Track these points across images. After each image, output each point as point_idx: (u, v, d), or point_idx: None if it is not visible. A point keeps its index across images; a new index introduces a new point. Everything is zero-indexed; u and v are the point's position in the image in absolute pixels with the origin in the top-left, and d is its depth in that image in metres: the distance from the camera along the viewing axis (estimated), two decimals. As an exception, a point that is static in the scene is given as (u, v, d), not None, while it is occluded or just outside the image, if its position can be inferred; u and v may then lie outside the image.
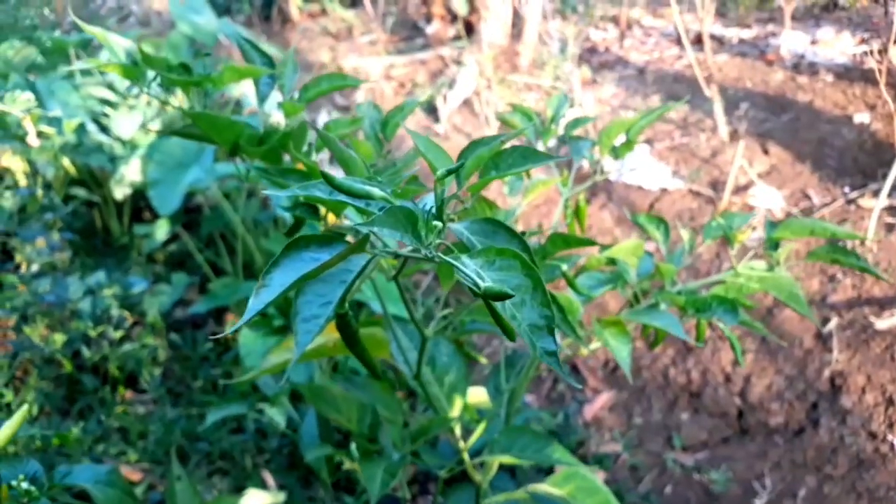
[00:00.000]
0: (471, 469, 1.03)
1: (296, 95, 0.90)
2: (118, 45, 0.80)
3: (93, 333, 2.02)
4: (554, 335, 0.47)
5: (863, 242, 2.31)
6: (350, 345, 0.65)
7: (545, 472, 2.21)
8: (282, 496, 1.77)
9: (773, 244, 0.95)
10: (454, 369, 1.05)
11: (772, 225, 0.97)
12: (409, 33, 5.08)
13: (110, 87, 3.72)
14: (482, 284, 0.44)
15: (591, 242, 0.86)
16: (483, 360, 1.24)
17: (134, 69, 0.80)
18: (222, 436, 2.27)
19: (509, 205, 1.12)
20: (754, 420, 2.29)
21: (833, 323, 2.26)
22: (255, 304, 0.46)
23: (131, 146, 3.45)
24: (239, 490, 2.12)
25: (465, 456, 1.02)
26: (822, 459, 2.09)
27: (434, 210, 0.50)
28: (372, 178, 0.55)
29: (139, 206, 3.79)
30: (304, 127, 0.84)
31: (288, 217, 2.77)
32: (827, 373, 2.20)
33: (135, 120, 3.57)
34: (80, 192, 3.18)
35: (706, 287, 1.07)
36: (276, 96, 0.95)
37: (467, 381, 1.04)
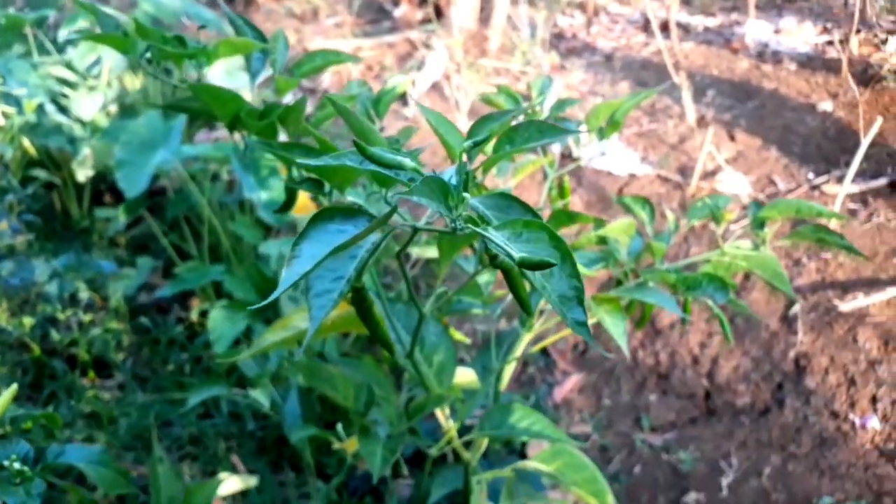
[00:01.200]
0: (460, 447, 1.04)
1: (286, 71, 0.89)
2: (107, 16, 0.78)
3: (62, 317, 1.97)
4: (584, 305, 0.48)
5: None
6: (364, 319, 0.64)
7: (518, 453, 2.23)
8: (254, 480, 1.76)
9: (760, 223, 0.97)
10: (442, 349, 1.05)
11: (757, 205, 0.98)
12: (375, 16, 5.04)
13: (69, 66, 3.62)
14: (516, 255, 0.44)
15: (596, 220, 0.86)
16: (466, 340, 1.24)
17: (126, 40, 0.78)
18: (192, 420, 2.24)
19: (496, 186, 1.12)
20: (721, 401, 2.34)
21: (798, 306, 2.31)
22: (289, 275, 0.45)
23: (91, 127, 3.37)
24: (208, 475, 2.10)
25: (454, 434, 1.03)
26: (786, 438, 2.14)
27: (460, 182, 0.50)
28: (397, 150, 0.54)
29: (99, 189, 3.70)
30: (304, 102, 0.83)
31: (258, 198, 2.71)
32: (792, 354, 2.26)
33: (95, 101, 3.48)
34: (40, 173, 3.10)
35: (689, 268, 1.08)
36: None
37: (455, 360, 1.05)
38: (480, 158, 0.68)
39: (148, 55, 0.81)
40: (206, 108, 0.79)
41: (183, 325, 2.56)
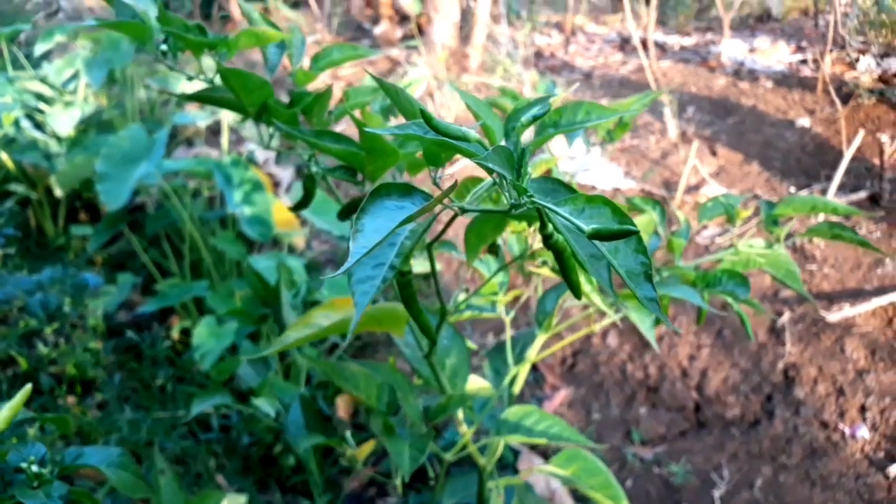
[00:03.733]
0: (475, 452, 1.02)
1: (305, 64, 0.88)
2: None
3: (48, 331, 1.92)
4: (652, 281, 0.46)
5: (852, 225, 2.39)
6: (409, 306, 0.62)
7: (510, 467, 2.21)
8: (243, 499, 1.72)
9: (773, 220, 0.97)
10: (455, 352, 1.03)
11: (769, 203, 0.99)
12: (354, 34, 5.04)
13: (45, 81, 3.57)
14: (586, 227, 0.43)
15: (629, 209, 0.86)
16: (473, 347, 1.23)
17: (143, 28, 0.76)
18: (175, 438, 2.19)
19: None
20: (711, 413, 2.34)
21: (786, 317, 2.33)
22: (356, 248, 0.43)
23: (69, 143, 3.31)
24: (192, 494, 2.05)
25: (468, 438, 1.01)
26: (777, 449, 2.14)
27: (519, 157, 0.49)
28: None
29: (75, 206, 3.64)
30: (330, 91, 0.82)
31: (241, 213, 2.68)
32: (780, 365, 2.27)
33: (72, 116, 3.43)
34: (18, 188, 3.04)
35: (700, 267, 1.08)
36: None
37: (468, 364, 1.03)
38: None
39: (164, 47, 0.79)
40: (231, 98, 0.77)
41: (167, 342, 2.51)
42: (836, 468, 2.03)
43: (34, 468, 0.66)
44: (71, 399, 2.19)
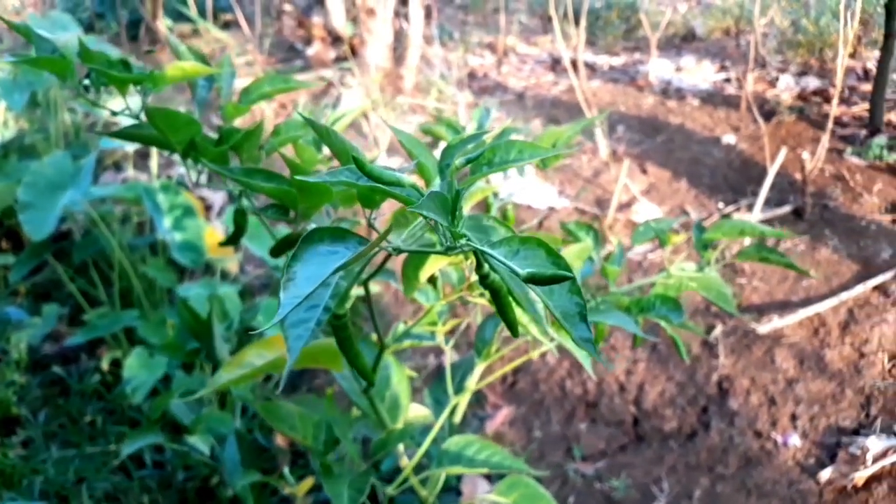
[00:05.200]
0: (417, 484, 1.00)
1: (234, 97, 0.86)
2: (43, 40, 0.73)
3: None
4: (587, 322, 0.47)
5: (778, 242, 2.47)
6: (344, 349, 0.61)
7: (454, 490, 2.19)
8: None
9: (703, 245, 1.00)
10: (394, 382, 1.02)
11: (700, 228, 1.01)
12: (286, 55, 5.00)
13: (-38, 105, 3.43)
14: (521, 271, 0.43)
15: (557, 241, 0.86)
16: (413, 374, 1.22)
17: (65, 63, 0.73)
18: (106, 476, 2.11)
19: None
20: (649, 426, 2.37)
21: (718, 330, 2.39)
22: (287, 299, 0.42)
23: (-12, 169, 3.18)
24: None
25: (410, 471, 0.99)
26: (713, 460, 2.19)
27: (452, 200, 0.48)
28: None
29: (-6, 235, 3.49)
30: (261, 127, 0.80)
31: (172, 239, 2.61)
32: (715, 377, 2.32)
33: (-9, 141, 3.31)
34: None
35: (637, 291, 1.10)
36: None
37: (408, 394, 1.02)
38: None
39: (86, 82, 0.76)
40: (157, 136, 0.75)
41: (96, 375, 2.42)
42: (770, 476, 2.08)
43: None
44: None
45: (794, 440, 2.09)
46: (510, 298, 0.53)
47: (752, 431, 2.18)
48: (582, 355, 0.87)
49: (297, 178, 0.52)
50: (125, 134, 0.78)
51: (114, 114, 0.79)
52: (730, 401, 2.26)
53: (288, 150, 0.93)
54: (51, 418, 2.37)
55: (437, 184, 0.57)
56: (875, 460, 1.88)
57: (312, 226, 0.69)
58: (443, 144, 1.24)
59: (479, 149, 0.61)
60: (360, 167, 0.47)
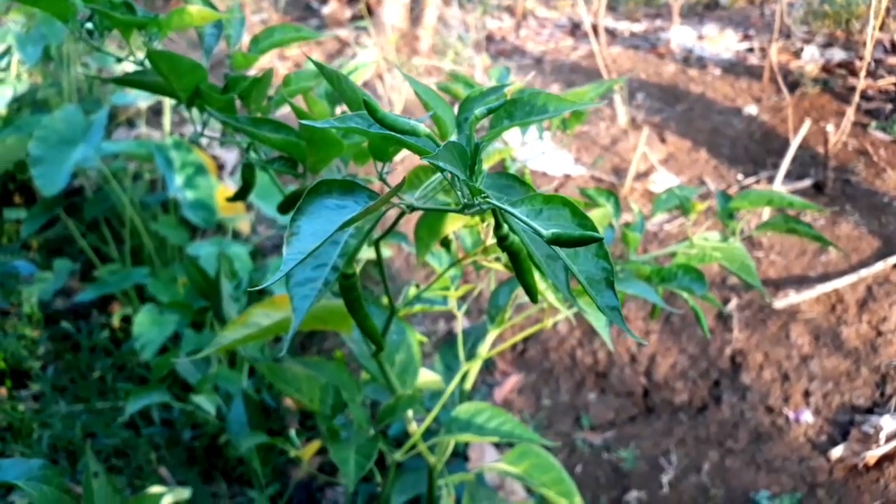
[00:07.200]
0: (425, 451, 0.99)
1: (243, 47, 0.82)
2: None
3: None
4: (614, 288, 0.43)
5: (798, 216, 2.41)
6: (352, 310, 0.58)
7: (462, 455, 2.19)
8: (186, 493, 1.66)
9: (729, 214, 0.96)
10: (404, 347, 1.00)
11: (725, 196, 0.97)
12: (302, 14, 4.93)
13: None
14: (545, 232, 0.40)
15: (584, 205, 0.83)
16: (424, 340, 1.19)
17: (65, 4, 0.69)
18: (116, 431, 2.11)
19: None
20: (659, 398, 2.35)
21: (733, 303, 2.36)
22: (290, 254, 0.39)
23: (1, 122, 3.16)
24: (133, 488, 1.98)
25: (419, 437, 0.97)
26: (723, 434, 2.17)
27: (472, 153, 0.45)
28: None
29: (8, 188, 3.49)
30: (270, 74, 0.77)
31: (183, 197, 2.59)
32: (728, 351, 2.29)
33: (4, 94, 3.28)
34: (-57, 170, 2.88)
35: (652, 261, 1.06)
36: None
37: (418, 360, 1.00)
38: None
39: (89, 25, 0.73)
40: (160, 83, 0.72)
41: (106, 331, 2.41)
42: (781, 452, 2.06)
43: (-56, 484, 0.61)
44: (2, 391, 2.09)
45: (807, 417, 2.06)
46: (530, 262, 0.50)
47: (763, 406, 2.16)
48: (600, 324, 0.84)
49: (304, 122, 0.48)
50: (127, 80, 0.75)
51: (118, 60, 0.76)
52: (742, 375, 2.23)
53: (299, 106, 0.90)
54: (60, 373, 2.37)
55: (454, 138, 0.54)
56: (888, 440, 1.85)
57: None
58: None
59: (500, 101, 0.58)
60: (372, 112, 0.44)
